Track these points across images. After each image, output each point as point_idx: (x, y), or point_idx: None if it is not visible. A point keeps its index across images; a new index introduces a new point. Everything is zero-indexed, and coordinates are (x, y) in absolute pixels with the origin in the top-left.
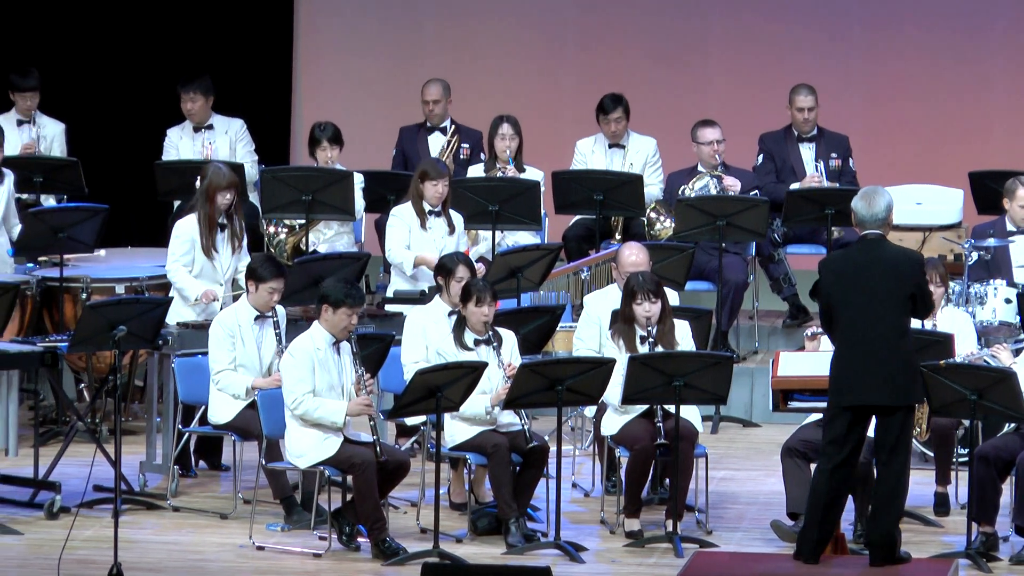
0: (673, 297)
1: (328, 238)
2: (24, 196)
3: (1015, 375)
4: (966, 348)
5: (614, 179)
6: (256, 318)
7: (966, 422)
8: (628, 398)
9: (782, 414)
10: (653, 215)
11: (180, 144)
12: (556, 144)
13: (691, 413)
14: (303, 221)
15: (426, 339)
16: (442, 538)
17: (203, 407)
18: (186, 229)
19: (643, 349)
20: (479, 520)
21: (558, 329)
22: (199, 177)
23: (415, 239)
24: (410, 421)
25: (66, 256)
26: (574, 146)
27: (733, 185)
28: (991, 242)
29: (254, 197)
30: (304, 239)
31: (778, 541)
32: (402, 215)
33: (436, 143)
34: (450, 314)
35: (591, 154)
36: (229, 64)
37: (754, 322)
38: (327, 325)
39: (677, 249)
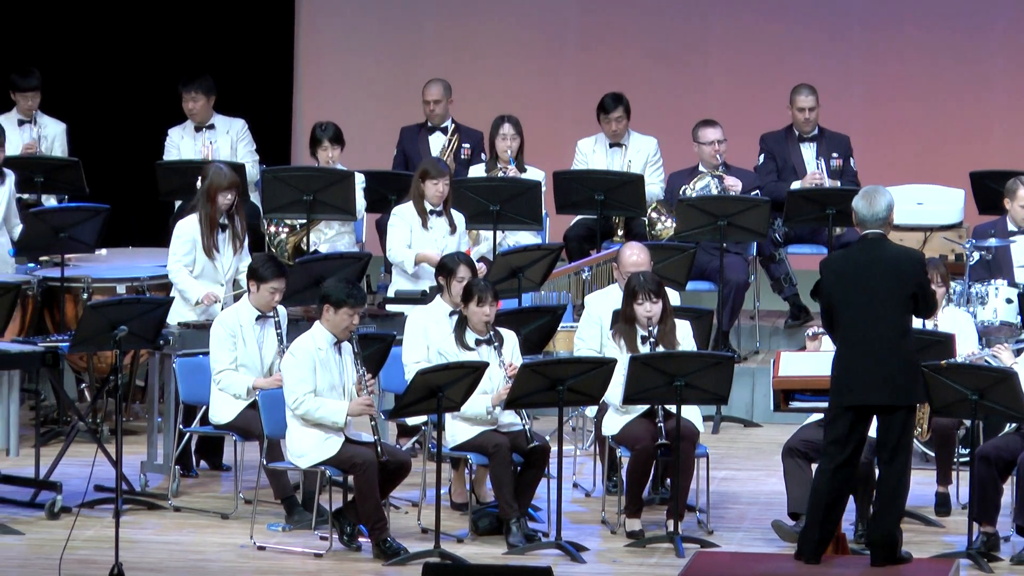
0: (674, 297)
1: (329, 238)
2: (25, 196)
3: (1016, 375)
4: (967, 348)
5: (615, 179)
6: (257, 318)
7: (967, 422)
8: (629, 398)
9: (783, 414)
10: (654, 215)
11: (181, 144)
12: (557, 144)
13: (692, 413)
14: (304, 221)
15: (427, 339)
16: (443, 538)
17: (204, 407)
18: (187, 229)
19: (644, 349)
20: (480, 520)
21: (559, 329)
22: (200, 177)
23: (416, 239)
24: (411, 421)
25: (67, 256)
26: (575, 146)
27: (734, 185)
28: (992, 242)
29: (255, 197)
30: (305, 239)
31: (779, 541)
32: (403, 215)
33: (437, 143)
34: (451, 314)
35: (592, 154)
36: (230, 64)
37: (755, 322)
38: (328, 325)
39: (678, 249)
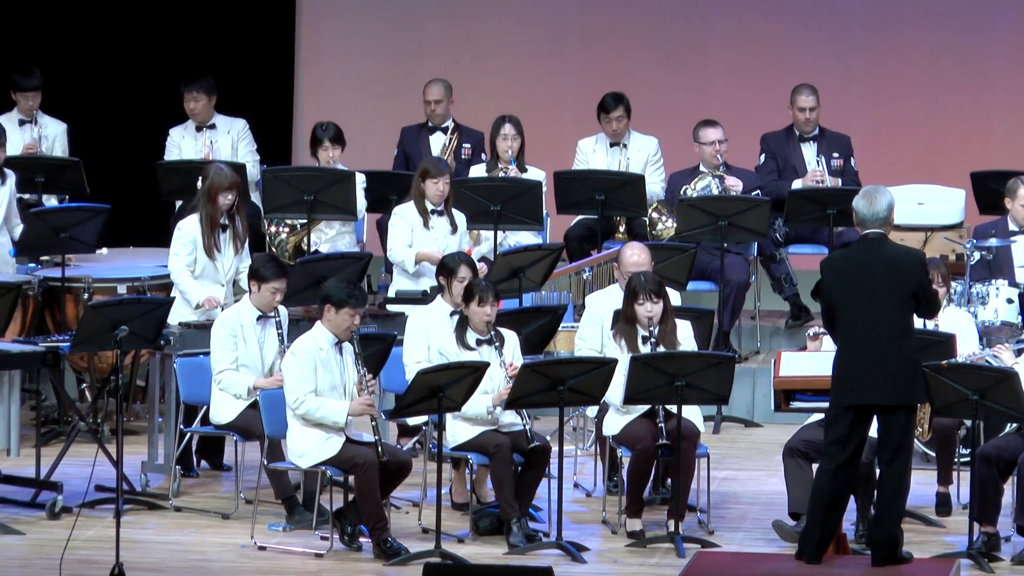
0: (675, 297)
1: (330, 238)
2: (26, 196)
3: (1017, 375)
4: (968, 348)
5: (616, 179)
6: (258, 318)
7: (968, 422)
8: (630, 398)
9: (784, 414)
10: (655, 215)
11: (183, 143)
12: (557, 144)
13: (693, 413)
14: (304, 221)
15: (428, 339)
16: (444, 538)
17: (205, 407)
18: (188, 229)
19: (645, 349)
20: (481, 520)
21: (560, 329)
22: (201, 177)
23: (418, 238)
24: (412, 421)
25: (68, 256)
26: (575, 146)
27: (735, 185)
28: (993, 242)
29: (256, 197)
30: (306, 239)
31: (780, 541)
32: (405, 214)
33: (438, 143)
34: (452, 314)
35: (592, 153)
36: (231, 64)
37: (756, 322)
38: (330, 325)
39: (679, 249)
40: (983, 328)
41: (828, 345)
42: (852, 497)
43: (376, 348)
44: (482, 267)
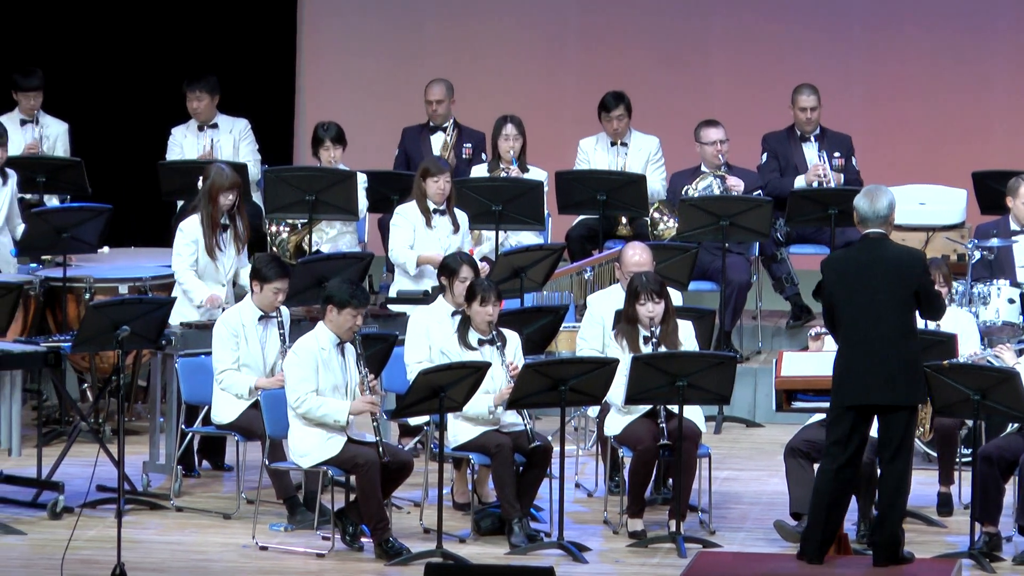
0: (676, 297)
1: (331, 238)
2: (27, 196)
3: (1018, 375)
4: (969, 348)
5: (617, 179)
6: (260, 318)
7: (969, 422)
8: (631, 398)
9: (785, 414)
10: (656, 215)
11: (184, 143)
12: (558, 144)
13: (694, 413)
14: (306, 221)
15: (429, 339)
16: (445, 538)
17: (206, 407)
18: (191, 229)
19: (646, 349)
20: (482, 520)
21: (561, 329)
22: (201, 177)
23: (420, 238)
24: (413, 421)
25: (69, 256)
26: (576, 146)
27: (736, 185)
28: (994, 242)
29: (257, 197)
30: (307, 239)
31: (781, 541)
32: (406, 214)
33: (439, 143)
34: (453, 314)
35: (594, 153)
36: (232, 64)
37: (757, 322)
38: (332, 326)
39: (680, 249)
40: (984, 328)
41: (830, 345)
42: (853, 497)
43: (377, 348)
44: (484, 267)
